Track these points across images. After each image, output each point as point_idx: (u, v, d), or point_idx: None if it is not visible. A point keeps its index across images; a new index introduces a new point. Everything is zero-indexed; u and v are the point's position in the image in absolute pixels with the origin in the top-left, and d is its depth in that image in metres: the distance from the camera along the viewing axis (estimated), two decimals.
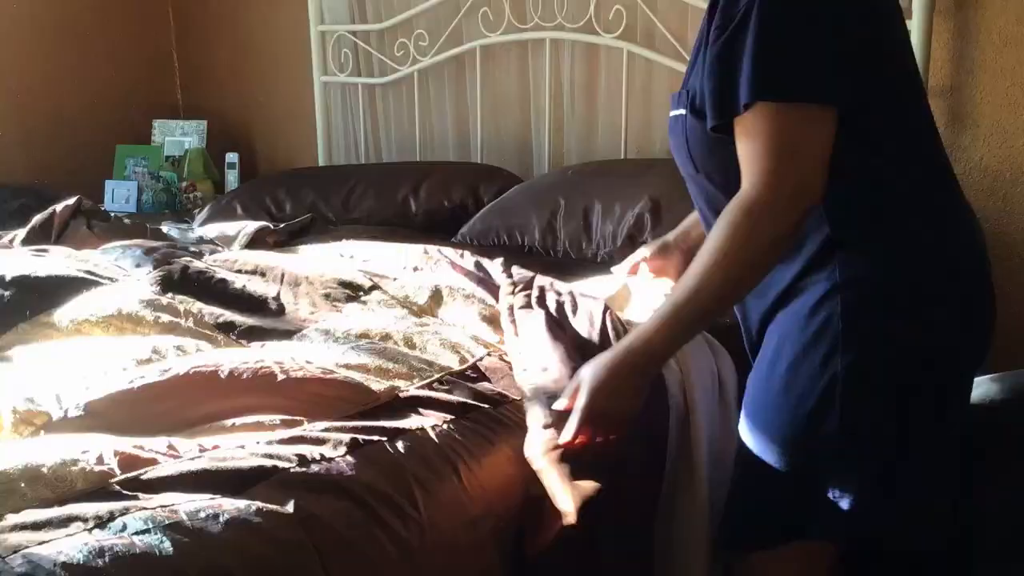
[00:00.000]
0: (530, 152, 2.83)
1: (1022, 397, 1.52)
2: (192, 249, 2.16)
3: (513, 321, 1.62)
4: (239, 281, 1.81)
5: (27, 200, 3.19)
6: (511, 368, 1.50)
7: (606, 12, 2.56)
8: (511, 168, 2.81)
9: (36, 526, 0.97)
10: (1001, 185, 2.10)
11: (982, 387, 1.53)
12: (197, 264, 1.87)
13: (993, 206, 2.11)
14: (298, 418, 1.26)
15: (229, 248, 2.23)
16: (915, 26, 2.02)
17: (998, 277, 2.10)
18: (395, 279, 1.90)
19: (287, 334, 1.61)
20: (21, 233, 2.19)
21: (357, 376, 1.39)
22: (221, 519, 1.02)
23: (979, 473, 1.48)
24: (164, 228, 2.57)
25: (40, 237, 2.16)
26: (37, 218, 2.22)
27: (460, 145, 2.98)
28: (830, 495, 1.17)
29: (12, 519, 0.99)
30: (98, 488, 1.06)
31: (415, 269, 1.96)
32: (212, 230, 2.45)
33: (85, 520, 0.99)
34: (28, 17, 3.39)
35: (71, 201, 2.24)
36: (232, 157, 3.40)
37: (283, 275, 1.85)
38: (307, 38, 3.21)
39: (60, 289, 1.69)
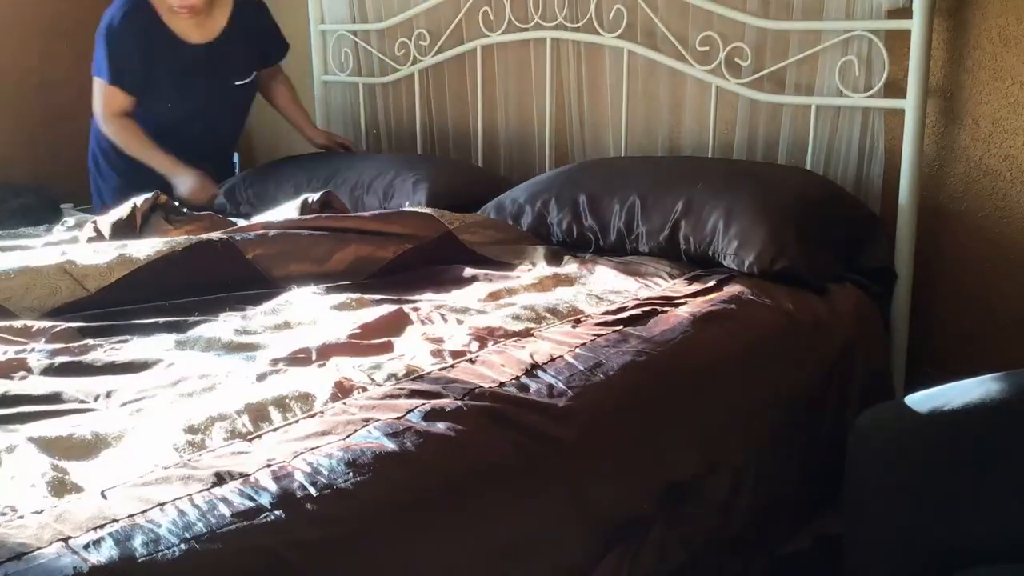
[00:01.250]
0: (532, 152, 2.83)
1: (1023, 397, 1.52)
2: None
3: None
4: None
5: (27, 199, 3.20)
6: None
7: (607, 11, 2.56)
8: (513, 168, 2.82)
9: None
10: (1001, 185, 2.10)
11: (982, 387, 1.53)
12: None
13: (993, 206, 2.11)
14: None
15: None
16: (915, 26, 2.02)
17: (999, 276, 2.10)
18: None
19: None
20: (103, 226, 2.21)
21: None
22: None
23: (979, 472, 1.48)
24: None
25: (124, 230, 2.20)
26: (117, 212, 2.24)
27: (461, 145, 2.98)
28: None
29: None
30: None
31: None
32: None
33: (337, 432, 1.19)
34: (28, 17, 3.39)
35: (148, 195, 2.28)
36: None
37: None
38: (307, 37, 3.21)
39: None
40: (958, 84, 2.11)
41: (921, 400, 1.56)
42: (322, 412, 1.25)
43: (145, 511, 0.99)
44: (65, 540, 0.93)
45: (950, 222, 2.17)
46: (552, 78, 2.73)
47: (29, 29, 3.40)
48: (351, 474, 1.09)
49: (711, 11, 2.39)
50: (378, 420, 1.20)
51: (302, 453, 1.12)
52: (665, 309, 1.71)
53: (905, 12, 2.07)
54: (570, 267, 2.05)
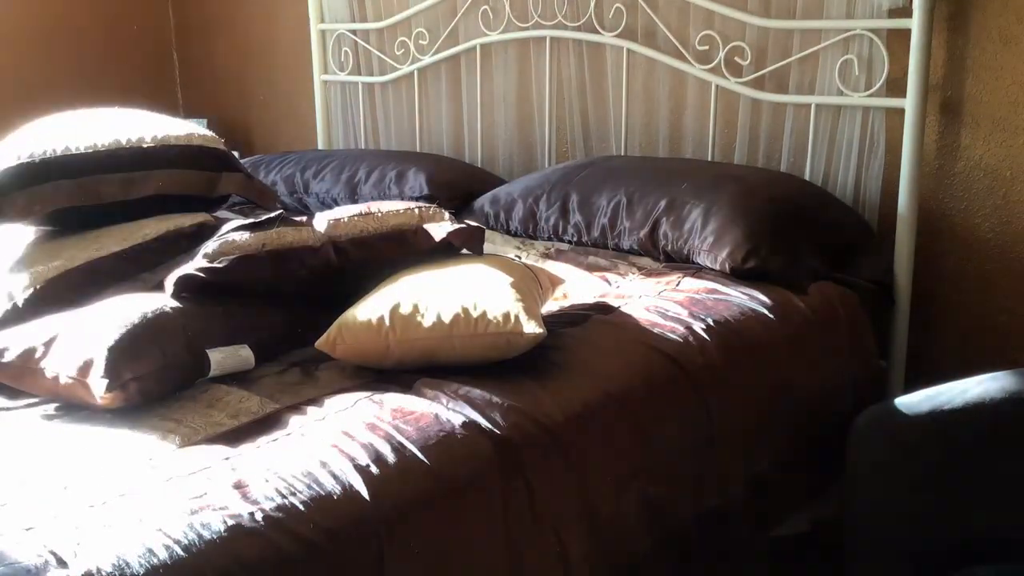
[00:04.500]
0: (533, 151, 2.83)
1: (1021, 396, 1.52)
2: None
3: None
4: None
5: None
6: None
7: (607, 10, 2.56)
8: (514, 167, 2.81)
9: None
10: (1001, 184, 2.10)
11: (982, 386, 1.53)
12: None
13: (993, 204, 2.11)
14: None
15: None
16: (915, 25, 2.02)
17: (999, 275, 2.09)
18: None
19: None
20: None
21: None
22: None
23: (978, 471, 1.48)
24: None
25: None
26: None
27: (461, 144, 2.98)
28: None
29: None
30: None
31: None
32: None
33: None
34: (28, 17, 3.39)
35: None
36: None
37: None
38: (307, 37, 3.21)
39: None
40: (958, 83, 2.11)
41: (920, 399, 1.56)
42: None
43: None
44: None
45: (950, 220, 2.17)
46: (552, 77, 2.73)
47: (29, 28, 3.40)
48: None
49: (711, 10, 2.38)
50: None
51: None
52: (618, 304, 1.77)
53: (905, 11, 2.07)
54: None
